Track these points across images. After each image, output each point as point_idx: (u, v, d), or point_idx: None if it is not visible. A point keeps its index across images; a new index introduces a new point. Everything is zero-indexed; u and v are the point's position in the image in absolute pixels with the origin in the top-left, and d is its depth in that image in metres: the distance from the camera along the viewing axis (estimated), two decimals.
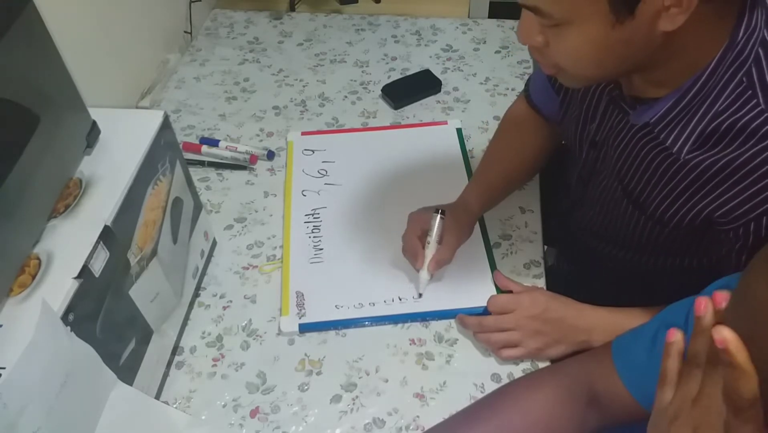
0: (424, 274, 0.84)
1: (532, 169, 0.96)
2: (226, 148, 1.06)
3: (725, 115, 0.62)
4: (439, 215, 0.84)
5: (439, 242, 0.84)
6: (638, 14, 0.56)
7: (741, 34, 0.60)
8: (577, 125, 0.83)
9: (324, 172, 1.02)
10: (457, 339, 0.82)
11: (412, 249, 0.85)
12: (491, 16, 1.37)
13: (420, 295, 0.85)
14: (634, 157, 0.73)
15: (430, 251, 0.83)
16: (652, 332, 0.62)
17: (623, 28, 0.57)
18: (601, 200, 0.83)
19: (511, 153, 0.94)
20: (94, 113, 0.70)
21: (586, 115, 0.81)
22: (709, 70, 0.62)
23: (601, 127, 0.79)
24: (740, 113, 0.61)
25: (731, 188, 0.63)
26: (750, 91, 0.60)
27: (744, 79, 0.60)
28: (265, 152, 1.05)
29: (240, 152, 1.05)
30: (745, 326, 0.42)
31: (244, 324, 0.84)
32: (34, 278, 0.58)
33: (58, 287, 0.57)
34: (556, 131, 0.92)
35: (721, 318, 0.44)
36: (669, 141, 0.67)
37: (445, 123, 1.10)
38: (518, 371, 0.79)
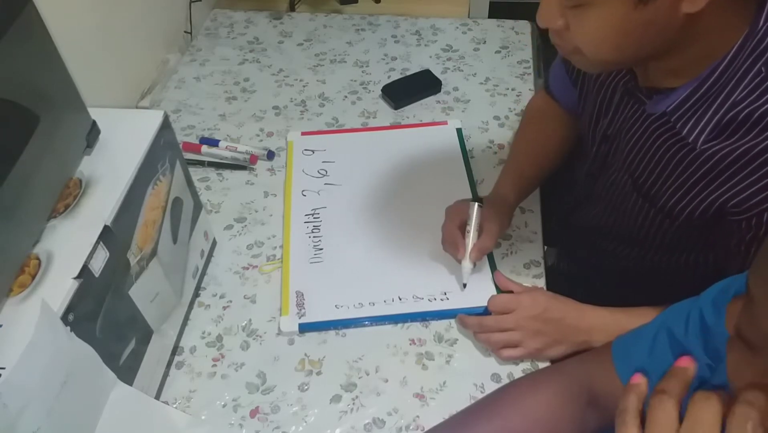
0: (466, 264, 0.83)
1: (559, 157, 0.96)
2: (226, 148, 1.06)
3: (743, 104, 0.62)
4: (477, 204, 0.84)
5: (479, 231, 0.84)
6: None
7: (762, 23, 0.60)
8: (591, 120, 0.83)
9: (324, 173, 1.02)
10: (457, 339, 0.82)
11: (452, 240, 0.85)
12: (491, 16, 1.37)
13: (464, 285, 0.84)
14: (647, 148, 0.73)
15: (471, 240, 0.83)
16: (652, 334, 0.62)
17: (645, 9, 0.57)
18: (609, 195, 0.83)
19: (537, 142, 0.95)
20: (94, 113, 0.70)
21: (600, 110, 0.81)
22: (728, 58, 0.61)
23: (614, 120, 0.79)
24: (758, 102, 0.61)
25: (746, 178, 0.63)
26: None
27: (763, 69, 0.60)
28: (265, 152, 1.05)
29: (240, 152, 1.05)
30: (751, 331, 0.41)
31: (244, 324, 0.84)
32: (33, 278, 0.58)
33: (57, 287, 0.57)
34: (576, 122, 0.93)
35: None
36: (685, 130, 0.67)
37: (445, 123, 1.10)
38: (518, 371, 0.79)
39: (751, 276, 0.41)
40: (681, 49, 0.63)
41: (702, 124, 0.65)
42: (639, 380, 0.49)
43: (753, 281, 0.41)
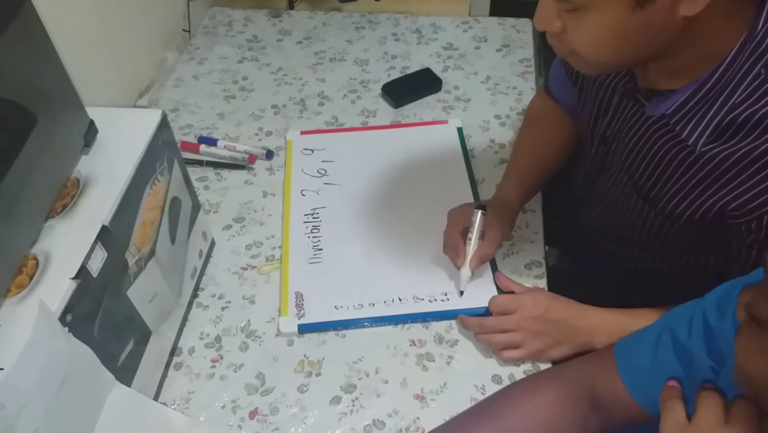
0: (465, 271, 0.83)
1: (561, 158, 0.96)
2: (225, 147, 1.06)
3: (743, 107, 0.61)
4: (480, 212, 0.83)
5: (481, 238, 0.83)
6: None
7: (761, 25, 0.59)
8: (589, 120, 0.83)
9: (323, 172, 1.02)
10: (458, 340, 0.82)
11: (454, 246, 0.84)
12: (492, 14, 1.36)
13: (461, 293, 0.84)
14: (647, 150, 0.73)
15: (471, 247, 0.82)
16: (655, 336, 0.62)
17: (643, 12, 0.57)
18: (609, 196, 0.83)
19: (539, 144, 0.95)
20: (92, 112, 0.70)
21: (599, 110, 0.81)
22: (728, 61, 0.61)
23: (614, 122, 0.78)
24: (758, 105, 0.60)
25: (746, 181, 0.63)
26: None
27: (762, 71, 0.60)
28: (264, 152, 1.04)
29: (239, 152, 1.05)
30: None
31: (242, 325, 0.84)
32: (31, 278, 0.57)
33: (55, 287, 0.57)
34: (577, 124, 0.92)
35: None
36: (685, 133, 0.66)
37: (446, 122, 1.09)
38: (519, 372, 0.78)
39: None
40: (680, 52, 0.63)
41: (702, 126, 0.65)
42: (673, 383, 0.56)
43: None
